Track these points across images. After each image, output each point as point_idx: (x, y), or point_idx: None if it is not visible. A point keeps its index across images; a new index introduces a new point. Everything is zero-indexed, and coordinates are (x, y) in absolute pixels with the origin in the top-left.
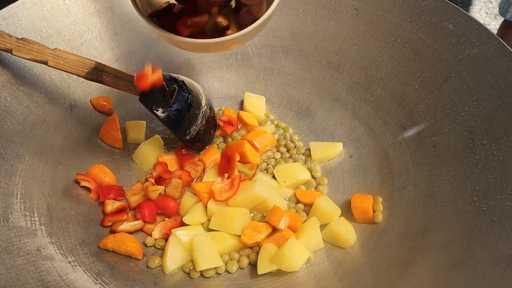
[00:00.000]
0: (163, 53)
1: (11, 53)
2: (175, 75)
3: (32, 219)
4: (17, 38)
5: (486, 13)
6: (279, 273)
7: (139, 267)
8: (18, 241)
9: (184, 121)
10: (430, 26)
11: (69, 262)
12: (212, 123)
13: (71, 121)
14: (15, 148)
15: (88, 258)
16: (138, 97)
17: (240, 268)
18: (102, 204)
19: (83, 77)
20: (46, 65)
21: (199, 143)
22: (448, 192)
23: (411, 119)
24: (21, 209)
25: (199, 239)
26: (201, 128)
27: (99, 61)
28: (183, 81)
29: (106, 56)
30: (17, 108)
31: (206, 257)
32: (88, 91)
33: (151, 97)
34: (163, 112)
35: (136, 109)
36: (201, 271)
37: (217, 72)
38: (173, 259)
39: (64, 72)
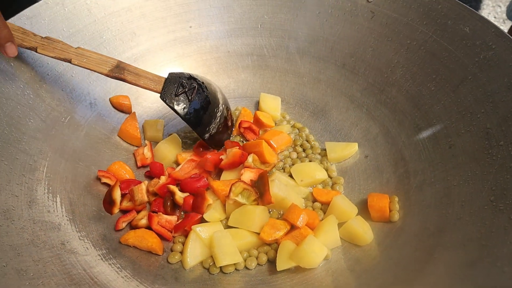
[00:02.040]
0: (180, 54)
1: (36, 51)
2: (194, 74)
3: (56, 214)
4: (42, 37)
5: (495, 17)
6: (297, 270)
7: (159, 262)
8: (43, 234)
9: (203, 118)
10: (445, 29)
11: (92, 257)
12: (229, 121)
13: (91, 118)
14: (38, 144)
15: (110, 253)
16: (159, 94)
17: (259, 264)
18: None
19: (106, 74)
20: (69, 63)
21: (217, 140)
22: (465, 192)
23: (426, 120)
24: (44, 204)
25: (219, 235)
26: (220, 126)
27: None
28: (202, 80)
29: (125, 55)
30: (40, 105)
31: (226, 253)
32: (107, 90)
33: (172, 94)
34: (183, 109)
35: (154, 108)
36: (220, 267)
37: (233, 73)
38: (193, 255)
39: (85, 71)
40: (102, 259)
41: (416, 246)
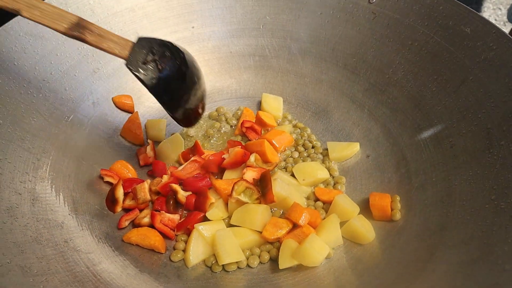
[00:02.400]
0: None
1: None
2: (168, 41)
3: (59, 212)
4: None
5: (495, 19)
6: (299, 268)
7: (162, 261)
8: (46, 232)
9: (174, 92)
10: (447, 30)
11: (95, 254)
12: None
13: (94, 118)
14: (42, 143)
15: (113, 251)
16: (124, 61)
17: (261, 263)
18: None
19: (62, 32)
20: (19, 15)
21: (187, 117)
22: (466, 191)
23: (428, 120)
24: (47, 202)
25: (221, 234)
26: (193, 102)
27: (120, 60)
28: (177, 47)
29: None
30: (43, 104)
31: (229, 252)
32: (110, 89)
33: (139, 62)
34: (151, 80)
35: (157, 108)
36: (223, 265)
37: (235, 73)
38: (195, 253)
39: (88, 70)
40: (105, 256)
41: (417, 245)
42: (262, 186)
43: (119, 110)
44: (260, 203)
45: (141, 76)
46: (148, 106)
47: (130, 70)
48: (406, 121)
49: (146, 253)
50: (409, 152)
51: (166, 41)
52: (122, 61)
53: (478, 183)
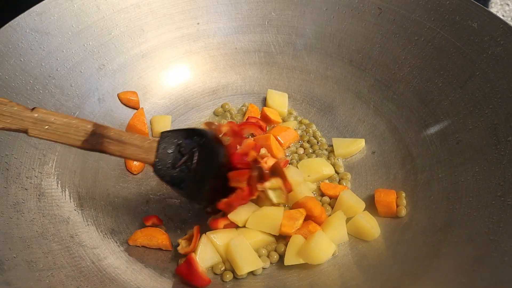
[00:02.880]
0: (187, 51)
1: None
2: (192, 128)
3: (65, 207)
4: None
5: (503, 15)
6: (303, 264)
7: (167, 256)
8: (52, 227)
9: (208, 189)
10: (453, 25)
11: (101, 249)
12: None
13: (99, 114)
14: None
15: (118, 246)
16: (152, 168)
17: (271, 263)
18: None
19: (79, 147)
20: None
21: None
22: (472, 187)
23: (434, 116)
24: (53, 197)
25: (236, 243)
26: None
27: (125, 57)
28: (204, 134)
29: (133, 51)
30: (49, 100)
31: (247, 261)
32: (115, 86)
33: (169, 167)
34: (184, 187)
35: (162, 104)
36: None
37: (240, 69)
38: (203, 259)
39: (93, 66)
40: (110, 252)
41: (423, 241)
42: (275, 176)
43: (124, 107)
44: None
45: (171, 183)
46: (153, 102)
47: (160, 177)
48: (412, 117)
49: (151, 249)
50: (415, 148)
51: (190, 130)
52: (127, 58)
53: (484, 180)
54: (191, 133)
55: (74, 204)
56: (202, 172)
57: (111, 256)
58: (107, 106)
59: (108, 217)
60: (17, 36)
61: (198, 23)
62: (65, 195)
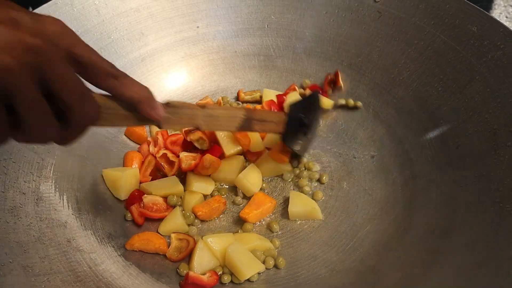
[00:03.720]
0: (187, 54)
1: (160, 127)
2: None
3: (62, 211)
4: (163, 104)
5: (506, 17)
6: (300, 270)
7: (164, 261)
8: (49, 232)
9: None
10: (453, 29)
11: (98, 254)
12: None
13: None
14: None
15: (116, 251)
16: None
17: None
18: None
19: (234, 131)
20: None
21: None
22: (472, 193)
23: (433, 120)
24: (51, 202)
25: (234, 249)
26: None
27: (125, 60)
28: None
29: (132, 55)
30: None
31: (248, 265)
32: None
33: (294, 137)
34: (303, 150)
35: None
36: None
37: (240, 73)
38: (200, 265)
39: None
40: (107, 256)
41: (421, 248)
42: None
43: None
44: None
45: (296, 151)
46: None
47: (285, 144)
48: (411, 121)
49: (148, 253)
50: (414, 153)
51: (307, 99)
52: (127, 61)
53: (483, 185)
54: (308, 102)
55: (72, 208)
56: (312, 131)
57: (108, 261)
58: None
59: (105, 221)
60: None
61: (197, 27)
62: (63, 200)
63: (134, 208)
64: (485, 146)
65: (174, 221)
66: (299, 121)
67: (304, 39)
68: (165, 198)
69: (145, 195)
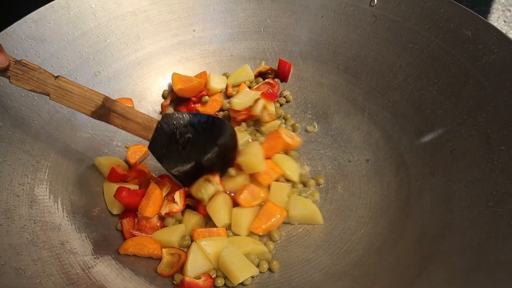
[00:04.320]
0: (183, 57)
1: (9, 81)
2: (198, 115)
3: (56, 214)
4: (15, 62)
5: (504, 21)
6: (294, 273)
7: (158, 264)
8: (43, 234)
9: (194, 172)
10: (448, 33)
11: (91, 257)
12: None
13: (94, 121)
14: (41, 145)
15: (109, 254)
16: (148, 143)
17: (261, 272)
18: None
19: (89, 115)
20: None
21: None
22: (465, 197)
23: (428, 124)
24: (46, 204)
25: (228, 252)
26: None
27: (121, 64)
28: (203, 122)
29: (129, 58)
30: (44, 107)
31: (242, 269)
32: (111, 93)
33: (162, 147)
34: (171, 167)
35: (157, 111)
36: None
37: None
38: (194, 268)
39: (89, 73)
40: (101, 259)
41: (415, 251)
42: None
43: None
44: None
45: (162, 163)
46: (147, 109)
47: (152, 154)
48: (406, 125)
49: (142, 257)
50: (409, 156)
51: (191, 115)
52: (123, 65)
53: (477, 189)
54: (193, 119)
55: (66, 211)
56: (192, 157)
57: (101, 264)
58: None
59: (100, 224)
60: (13, 43)
61: (194, 30)
62: (57, 202)
63: (125, 222)
64: (479, 150)
65: (170, 237)
66: (173, 130)
67: (300, 43)
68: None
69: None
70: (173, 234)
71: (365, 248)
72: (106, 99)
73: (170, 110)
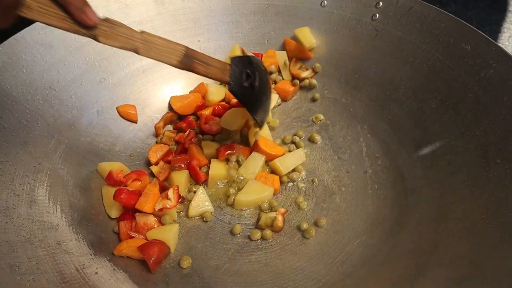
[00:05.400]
0: None
1: (97, 40)
2: (254, 57)
3: (55, 215)
4: (100, 19)
5: None
6: (285, 285)
7: None
8: (40, 233)
9: (264, 104)
10: (447, 47)
11: (86, 258)
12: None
13: (97, 126)
14: (44, 148)
15: (105, 256)
16: (227, 85)
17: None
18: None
19: (175, 66)
20: (136, 54)
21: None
22: (460, 209)
23: (426, 137)
24: (45, 205)
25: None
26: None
27: (126, 71)
28: (259, 64)
29: (134, 66)
30: (48, 111)
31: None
32: (115, 99)
33: (240, 85)
34: (247, 98)
35: (159, 118)
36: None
37: None
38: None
39: (94, 79)
40: (96, 260)
41: (408, 262)
42: None
43: (122, 119)
44: None
45: (240, 98)
46: (150, 116)
47: (233, 94)
48: (405, 137)
49: (137, 260)
50: (406, 169)
51: (251, 57)
52: (128, 72)
53: (471, 202)
54: (252, 60)
55: (64, 212)
56: (261, 90)
57: (96, 265)
58: (105, 118)
59: (97, 226)
60: (21, 48)
61: (199, 41)
62: (56, 203)
63: (122, 224)
64: (476, 163)
65: (164, 235)
66: (243, 71)
67: None
68: (159, 218)
69: (138, 214)
70: (168, 232)
71: (359, 258)
72: (188, 48)
73: (164, 130)
